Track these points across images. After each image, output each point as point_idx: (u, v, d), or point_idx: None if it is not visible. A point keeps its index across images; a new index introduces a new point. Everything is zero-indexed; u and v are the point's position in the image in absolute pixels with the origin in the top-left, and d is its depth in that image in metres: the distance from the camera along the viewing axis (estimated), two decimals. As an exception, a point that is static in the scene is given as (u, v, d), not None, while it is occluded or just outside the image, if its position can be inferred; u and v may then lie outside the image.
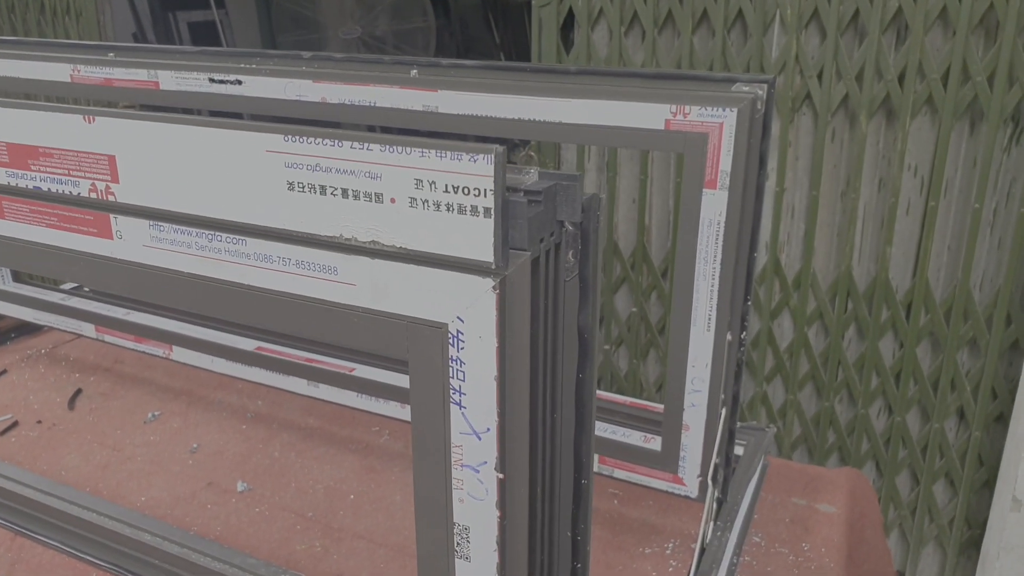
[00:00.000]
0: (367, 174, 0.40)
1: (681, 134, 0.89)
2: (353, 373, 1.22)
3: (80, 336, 1.55)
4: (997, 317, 1.62)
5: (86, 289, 1.61)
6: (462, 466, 0.42)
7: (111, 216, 0.50)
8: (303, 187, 0.42)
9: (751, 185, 0.91)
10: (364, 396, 1.21)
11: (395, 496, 1.13)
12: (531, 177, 0.41)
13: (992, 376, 1.66)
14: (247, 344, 1.31)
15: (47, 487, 1.06)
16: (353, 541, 1.05)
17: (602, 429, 1.07)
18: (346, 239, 0.42)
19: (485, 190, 0.37)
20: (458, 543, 0.44)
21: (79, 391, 1.41)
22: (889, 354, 1.78)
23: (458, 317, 0.40)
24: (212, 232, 0.46)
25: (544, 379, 0.43)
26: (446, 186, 0.38)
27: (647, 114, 0.90)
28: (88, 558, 1.00)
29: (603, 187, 1.93)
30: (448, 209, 0.38)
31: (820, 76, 1.66)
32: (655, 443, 1.03)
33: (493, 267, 0.39)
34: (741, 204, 0.90)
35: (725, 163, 0.88)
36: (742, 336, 0.98)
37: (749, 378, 1.92)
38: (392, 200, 0.40)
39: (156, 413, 1.34)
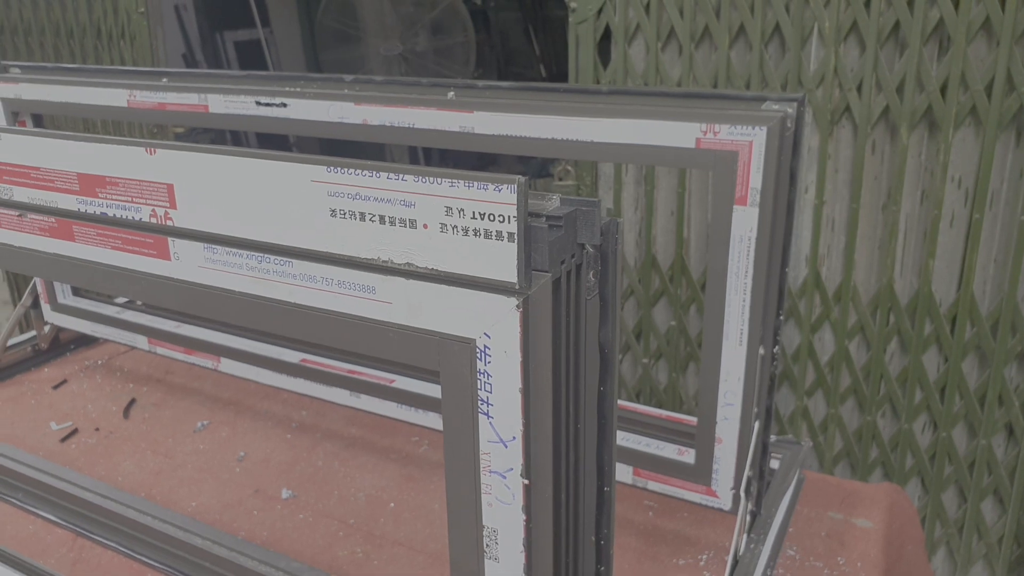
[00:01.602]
0: (402, 202, 0.43)
1: (711, 152, 0.91)
2: (393, 384, 1.26)
3: (134, 348, 1.61)
4: (1044, 331, 1.60)
5: (138, 303, 1.69)
6: (490, 472, 0.45)
7: (169, 239, 0.54)
8: (344, 214, 0.46)
9: (782, 201, 0.92)
10: (404, 407, 1.24)
11: (434, 504, 1.16)
12: (553, 203, 0.43)
13: (1040, 390, 1.63)
14: (292, 356, 1.35)
15: (106, 491, 1.11)
16: (393, 548, 1.08)
17: (636, 442, 1.09)
18: (383, 261, 0.45)
19: (509, 216, 0.40)
20: (487, 545, 0.47)
21: (133, 401, 1.47)
22: (933, 368, 1.75)
23: (485, 333, 0.43)
24: (261, 255, 0.50)
25: (567, 391, 0.46)
26: (473, 213, 0.41)
27: (678, 133, 0.92)
28: (143, 559, 1.05)
29: (641, 200, 1.95)
30: (475, 234, 0.41)
31: (859, 88, 1.66)
32: (689, 456, 1.04)
33: (517, 287, 0.41)
34: (772, 220, 0.91)
35: (755, 180, 0.89)
36: (775, 350, 0.99)
37: (789, 392, 1.91)
38: (425, 226, 0.43)
39: (205, 422, 1.39)
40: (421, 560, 1.05)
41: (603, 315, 0.46)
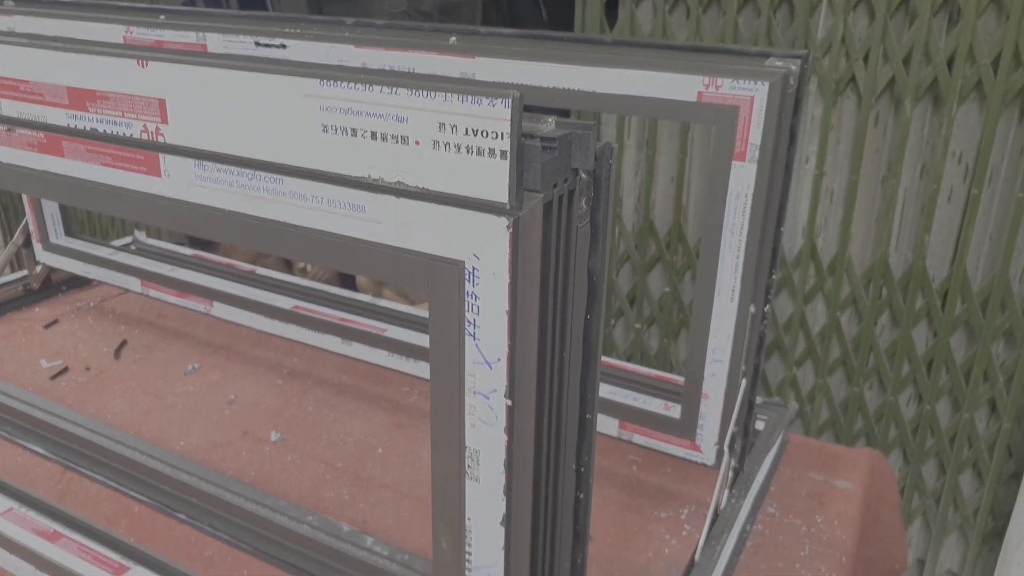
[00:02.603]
0: (395, 117, 0.43)
1: (713, 106, 0.90)
2: (385, 334, 1.26)
3: (126, 291, 1.61)
4: (1035, 308, 1.61)
5: (132, 247, 1.68)
6: (475, 393, 0.46)
7: (160, 156, 0.54)
8: (336, 130, 0.45)
9: (780, 159, 0.92)
10: (395, 355, 1.25)
11: (422, 452, 1.17)
12: (548, 126, 0.43)
13: (1027, 368, 1.64)
14: (285, 303, 1.36)
15: (95, 427, 1.12)
16: (380, 491, 1.09)
17: (623, 396, 1.10)
18: (374, 179, 0.45)
19: (502, 133, 0.40)
20: (469, 465, 0.47)
21: (124, 342, 1.47)
22: (922, 342, 1.77)
23: (474, 255, 0.43)
24: (252, 172, 0.50)
25: (553, 317, 0.46)
26: (466, 129, 0.41)
27: (680, 86, 0.91)
28: (131, 493, 1.06)
29: (641, 165, 1.94)
30: (468, 151, 0.41)
31: (866, 58, 1.65)
32: (675, 411, 1.05)
33: (507, 207, 0.41)
34: (770, 178, 0.91)
35: (755, 136, 0.89)
36: (765, 309, 0.99)
37: (780, 361, 1.92)
38: (417, 143, 0.43)
39: (196, 366, 1.39)
40: (407, 504, 1.06)
41: (593, 243, 0.46)
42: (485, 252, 0.43)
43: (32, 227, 1.61)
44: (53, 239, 1.60)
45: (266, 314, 1.35)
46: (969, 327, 1.71)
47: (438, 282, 0.45)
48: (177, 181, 0.54)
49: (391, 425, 1.24)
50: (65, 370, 1.39)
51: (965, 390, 1.72)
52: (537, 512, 0.50)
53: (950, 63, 1.57)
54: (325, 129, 0.46)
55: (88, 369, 1.39)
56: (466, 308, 0.44)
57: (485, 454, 0.46)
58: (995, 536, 1.79)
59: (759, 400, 1.14)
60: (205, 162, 0.52)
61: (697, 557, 0.94)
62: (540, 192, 0.41)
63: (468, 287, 0.44)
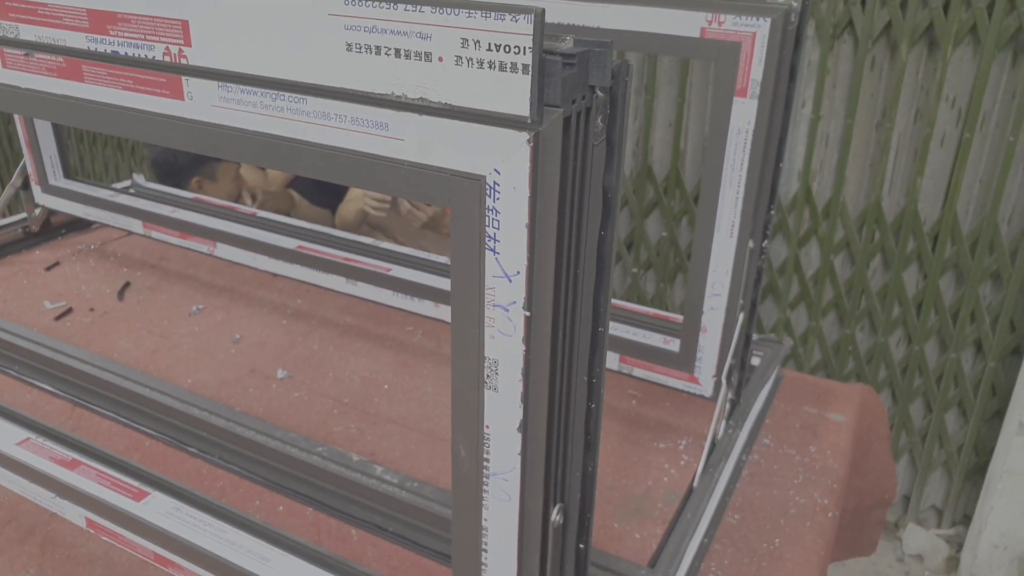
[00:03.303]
0: (418, 35, 0.44)
1: (715, 43, 0.91)
2: (390, 273, 1.28)
3: (129, 234, 1.62)
4: (1022, 251, 1.64)
5: (131, 191, 1.68)
6: (494, 306, 0.48)
7: (183, 78, 0.55)
8: (360, 48, 0.47)
9: (780, 95, 0.93)
10: (399, 295, 1.27)
11: (427, 387, 1.20)
12: (567, 43, 0.44)
13: (1012, 308, 1.68)
14: (289, 243, 1.37)
15: (104, 364, 1.14)
16: (387, 425, 1.12)
17: (624, 331, 1.12)
18: (397, 96, 0.46)
19: (524, 48, 0.41)
20: (488, 375, 0.49)
21: (127, 284, 1.49)
22: (912, 284, 1.80)
23: (495, 169, 0.45)
24: (276, 92, 0.51)
25: (570, 232, 0.48)
26: (489, 44, 0.42)
27: (683, 22, 0.92)
28: (142, 428, 1.08)
29: (640, 110, 1.94)
30: (490, 67, 0.43)
31: (863, 2, 1.65)
32: (674, 344, 1.08)
33: (529, 122, 0.43)
34: (770, 114, 0.92)
35: (756, 72, 0.90)
36: (763, 244, 1.01)
37: (773, 304, 1.96)
38: (440, 59, 0.44)
39: (200, 306, 1.41)
40: (414, 437, 1.09)
41: (608, 161, 0.48)
42: (506, 167, 0.44)
43: (30, 169, 1.61)
44: (52, 181, 1.60)
45: (270, 254, 1.36)
46: (958, 269, 1.74)
47: (460, 198, 0.47)
48: (200, 104, 0.55)
49: (396, 363, 1.27)
50: (69, 311, 1.40)
51: (953, 331, 1.76)
52: (551, 421, 0.52)
53: (946, 7, 1.58)
54: (349, 48, 0.47)
55: (92, 310, 1.41)
56: (487, 223, 0.46)
57: (504, 364, 0.49)
58: (978, 472, 1.86)
59: (755, 337, 1.17)
60: (229, 84, 0.53)
61: (695, 484, 0.98)
62: (560, 107, 0.43)
63: (489, 202, 0.46)
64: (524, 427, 0.50)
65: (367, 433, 1.11)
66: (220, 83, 0.53)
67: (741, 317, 1.03)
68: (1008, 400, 1.71)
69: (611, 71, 0.45)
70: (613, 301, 1.27)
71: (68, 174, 1.62)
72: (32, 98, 0.63)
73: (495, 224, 0.46)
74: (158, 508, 0.80)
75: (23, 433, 0.95)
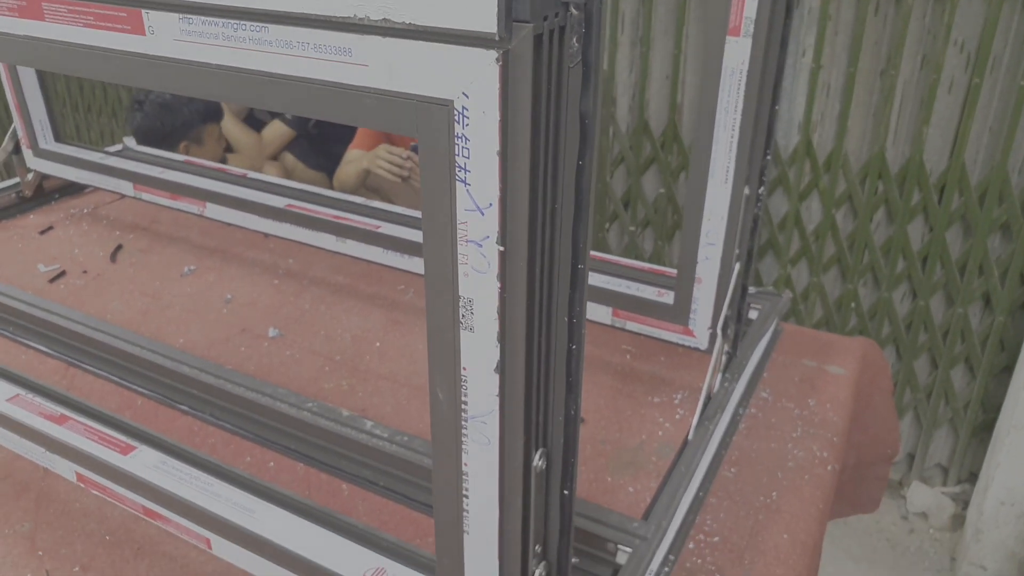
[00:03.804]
0: (378, -50, 0.42)
1: (708, -21, 0.88)
2: (379, 230, 1.26)
3: (121, 197, 1.60)
4: (1031, 201, 1.61)
5: (124, 150, 1.66)
6: (467, 241, 0.46)
7: (143, 11, 0.52)
8: (319, -31, 0.44)
9: (776, 34, 0.90)
10: (389, 252, 1.25)
11: (418, 345, 1.19)
12: (537, -43, 0.42)
13: (1022, 261, 1.65)
14: (278, 201, 1.35)
15: (96, 324, 1.13)
16: (378, 381, 1.11)
17: (616, 284, 1.11)
18: (359, 19, 0.44)
19: (489, -41, 0.39)
20: (463, 315, 0.48)
21: (120, 247, 1.47)
22: (918, 238, 1.77)
23: (463, 93, 0.43)
24: (237, 22, 0.49)
25: (545, 161, 0.46)
26: (453, -43, 0.40)
27: (674, -41, 0.89)
28: (134, 387, 1.07)
29: (636, 63, 1.90)
30: (454, -19, 0.40)
31: (866, -55, 1.60)
32: (668, 297, 1.06)
33: (496, 39, 0.40)
34: (764, 53, 0.89)
35: (750, 9, 0.87)
36: (760, 191, 0.99)
37: (774, 260, 1.93)
38: (402, -24, 0.42)
39: (192, 268, 1.40)
40: (405, 392, 1.08)
41: (585, 83, 0.45)
42: (474, 89, 0.42)
43: (20, 133, 1.59)
44: (43, 144, 1.58)
45: (260, 213, 1.35)
46: (965, 221, 1.71)
47: (427, 126, 0.44)
48: (162, 38, 0.52)
49: (387, 321, 1.25)
50: (63, 274, 1.39)
51: (960, 285, 1.74)
52: (530, 361, 0.50)
53: (954, -52, 1.53)
54: (308, -30, 0.44)
55: (85, 272, 1.39)
56: (456, 152, 0.44)
57: (479, 302, 0.47)
58: (985, 428, 1.84)
59: (753, 290, 1.15)
60: (189, 16, 0.50)
61: (690, 437, 0.97)
62: (530, 22, 0.40)
63: (457, 129, 0.43)
64: (502, 368, 0.48)
65: (358, 389, 1.10)
66: (180, 15, 0.51)
67: (737, 267, 1.01)
68: (1017, 355, 1.69)
69: (584, -13, 0.42)
70: (605, 256, 1.26)
71: (59, 137, 1.60)
72: (-6, 40, 0.61)
73: (464, 153, 0.44)
74: (145, 461, 0.79)
75: (13, 389, 0.94)
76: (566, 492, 0.58)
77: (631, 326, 1.10)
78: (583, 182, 0.47)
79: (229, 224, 1.44)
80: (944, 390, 1.85)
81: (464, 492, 0.54)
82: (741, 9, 0.87)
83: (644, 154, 1.97)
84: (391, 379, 1.12)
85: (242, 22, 0.48)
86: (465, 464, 0.53)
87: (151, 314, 1.28)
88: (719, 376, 1.04)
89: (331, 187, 2.07)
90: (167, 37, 0.52)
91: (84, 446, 0.81)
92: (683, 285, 1.02)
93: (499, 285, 0.46)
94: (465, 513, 0.55)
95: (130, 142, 1.71)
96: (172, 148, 1.93)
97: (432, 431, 0.53)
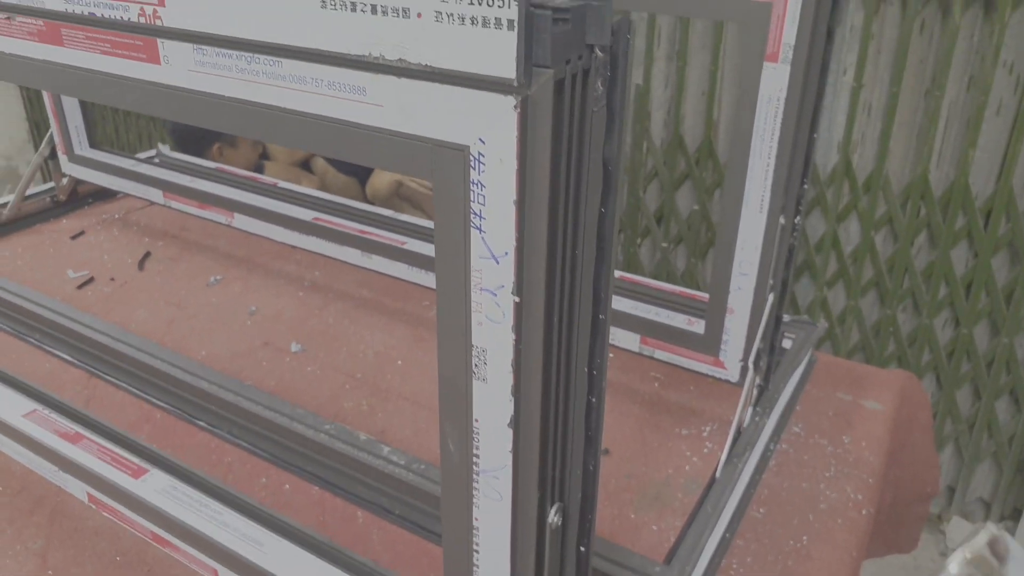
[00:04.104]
0: (395, -13, 0.40)
1: (744, 2, 0.84)
2: (404, 246, 1.24)
3: (151, 204, 1.61)
4: (1082, 229, 1.54)
5: (155, 160, 1.67)
6: (481, 289, 0.43)
7: (159, 41, 0.51)
8: (335, 4, 0.42)
9: (816, 60, 0.87)
10: (414, 268, 1.23)
11: (441, 365, 1.17)
12: (561, -4, 0.40)
13: (1070, 290, 1.59)
14: (305, 214, 1.34)
15: (119, 335, 1.13)
16: (398, 402, 1.09)
17: (645, 311, 1.08)
18: (375, 58, 0.42)
19: (508, 1, 0.37)
20: (476, 364, 0.45)
21: (148, 254, 1.47)
22: (961, 264, 1.71)
23: (480, 139, 0.40)
24: (251, 55, 0.47)
25: (565, 209, 0.43)
26: (471, -2, 0.38)
27: (710, -20, 0.86)
28: (153, 400, 1.07)
29: (672, 78, 1.87)
30: (472, 22, 0.38)
31: (914, -39, 1.55)
32: (698, 326, 1.03)
33: (515, 84, 0.38)
34: (804, 80, 0.86)
35: (789, 35, 0.84)
36: (796, 221, 0.95)
37: (810, 282, 1.88)
38: (419, 15, 0.40)
39: (218, 277, 1.39)
40: (425, 415, 1.06)
41: (609, 129, 0.43)
42: (491, 135, 0.40)
43: (57, 139, 1.60)
44: (78, 151, 1.59)
45: (286, 226, 1.34)
46: (1013, 248, 1.65)
47: (442, 170, 0.42)
48: (177, 68, 0.51)
49: (411, 338, 1.23)
50: (91, 280, 1.40)
51: (1006, 313, 1.67)
52: (547, 415, 0.48)
53: (1007, -35, 1.47)
54: (323, 4, 0.42)
55: (113, 279, 1.40)
56: (471, 198, 0.42)
57: (492, 353, 0.45)
58: (1027, 462, 1.77)
59: (787, 318, 1.11)
60: (204, 46, 0.49)
61: (718, 474, 0.93)
62: (551, 68, 0.38)
63: (473, 175, 0.41)
64: (516, 422, 0.46)
65: (378, 410, 1.08)
66: (195, 46, 0.49)
67: (771, 298, 0.97)
68: (1062, 387, 1.62)
69: (611, 27, 0.40)
70: (635, 278, 1.22)
71: (93, 144, 1.61)
72: (15, 64, 0.60)
73: (480, 200, 0.42)
74: (155, 486, 0.78)
75: (31, 404, 0.94)
76: (583, 549, 0.55)
77: (660, 354, 1.07)
78: (605, 230, 0.45)
79: (256, 235, 1.44)
80: (987, 422, 1.78)
81: (475, 547, 0.52)
82: (779, 34, 0.83)
83: (678, 170, 1.93)
84: (412, 400, 1.10)
85: (256, 55, 0.47)
86: (476, 519, 0.51)
87: (176, 324, 1.27)
88: (750, 410, 1.00)
89: (363, 193, 2.06)
90: (182, 67, 0.51)
91: (96, 467, 0.80)
92: (714, 315, 0.99)
93: (514, 336, 0.44)
94: (475, 568, 0.53)
95: (164, 148, 1.72)
96: (207, 149, 1.94)
97: (442, 482, 0.51)
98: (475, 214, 0.42)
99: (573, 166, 0.43)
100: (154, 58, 0.52)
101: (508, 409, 0.46)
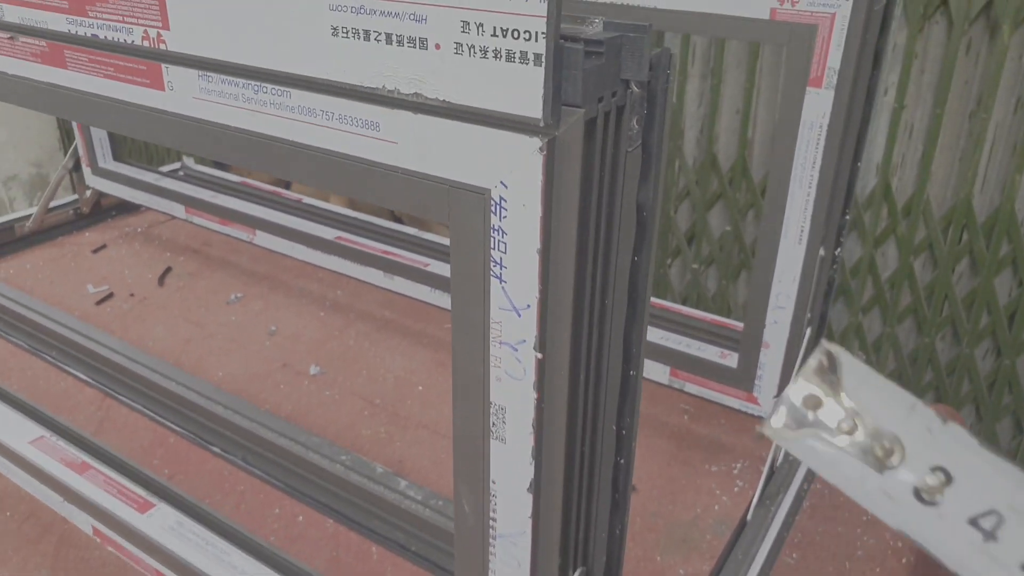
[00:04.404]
0: (412, 16, 0.36)
1: (787, 25, 0.80)
2: (427, 268, 1.21)
3: (172, 218, 1.60)
4: None
5: (180, 173, 1.66)
6: (500, 343, 0.40)
7: (163, 66, 0.48)
8: (347, 32, 0.39)
9: (862, 86, 0.82)
10: (437, 291, 1.20)
11: (462, 392, 1.13)
12: (594, 27, 0.36)
13: (1120, 323, 1.51)
14: (327, 233, 1.31)
15: (135, 355, 1.10)
16: (418, 430, 1.05)
17: (676, 342, 1.03)
18: (389, 91, 0.38)
19: (536, 33, 0.33)
20: (494, 423, 0.42)
21: (169, 269, 1.46)
22: (1005, 292, 1.64)
23: (502, 182, 0.37)
24: (259, 84, 0.44)
25: (594, 258, 0.40)
26: (494, 29, 0.34)
27: (752, 1, 0.82)
28: (166, 423, 1.04)
29: (706, 95, 1.82)
30: (495, 56, 0.34)
31: (960, -21, 1.50)
32: (731, 359, 0.98)
33: (541, 125, 0.34)
34: (848, 106, 0.81)
35: (834, 59, 0.79)
36: (836, 253, 0.90)
37: (844, 307, 1.82)
38: (437, 46, 0.36)
39: (239, 295, 1.37)
40: (444, 444, 1.03)
41: (644, 171, 0.39)
42: (514, 179, 0.36)
43: (81, 151, 1.60)
44: (101, 163, 1.58)
45: (309, 244, 1.31)
46: (1058, 277, 1.58)
47: (460, 214, 0.39)
48: (181, 95, 0.48)
49: (432, 362, 1.20)
50: (110, 295, 1.38)
51: (1049, 345, 1.60)
52: (571, 478, 0.44)
53: (1058, -16, 1.41)
54: (335, 32, 0.39)
55: (132, 295, 1.38)
56: (491, 245, 0.38)
57: (512, 412, 0.41)
58: (1069, 499, 1.69)
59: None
60: (209, 73, 0.46)
61: (749, 517, 0.89)
62: (582, 107, 0.34)
63: (494, 220, 0.38)
64: (536, 487, 0.42)
65: (396, 438, 1.04)
66: (200, 72, 0.46)
67: (808, 332, 0.93)
68: (1108, 422, 1.55)
69: (649, 61, 0.36)
70: (666, 304, 1.18)
71: (117, 156, 1.60)
72: (18, 85, 0.58)
73: (501, 247, 0.38)
74: (162, 522, 0.75)
75: (39, 431, 0.91)
76: (606, 615, 0.51)
77: (690, 388, 1.02)
78: (638, 280, 0.41)
79: (278, 252, 1.42)
80: (1028, 456, 1.71)
81: (489, 614, 0.48)
82: (824, 59, 0.79)
83: (711, 189, 1.88)
84: (431, 428, 1.06)
85: (263, 84, 0.43)
86: (491, 585, 0.47)
87: (193, 343, 1.25)
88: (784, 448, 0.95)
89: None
90: (186, 94, 0.48)
91: (102, 500, 0.77)
92: (748, 349, 0.94)
93: (536, 395, 0.40)
94: (490, 636, 0.49)
95: (189, 161, 1.71)
96: None
97: (456, 545, 0.47)
98: (495, 262, 0.38)
99: (604, 212, 0.39)
100: (158, 84, 0.49)
101: (528, 472, 0.42)
